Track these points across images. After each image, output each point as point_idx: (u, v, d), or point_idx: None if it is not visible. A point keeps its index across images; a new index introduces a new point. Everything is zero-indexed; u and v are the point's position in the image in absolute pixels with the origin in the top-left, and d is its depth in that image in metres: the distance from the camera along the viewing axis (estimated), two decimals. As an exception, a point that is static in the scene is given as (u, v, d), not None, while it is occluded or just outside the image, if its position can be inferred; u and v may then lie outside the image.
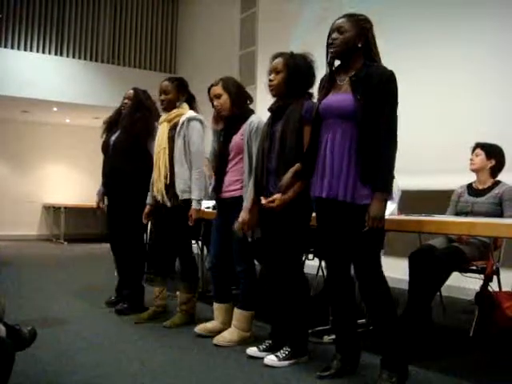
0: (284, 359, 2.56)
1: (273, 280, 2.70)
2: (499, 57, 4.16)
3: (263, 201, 2.51)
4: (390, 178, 2.17)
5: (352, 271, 2.37)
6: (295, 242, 2.57)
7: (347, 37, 2.22)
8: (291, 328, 2.63)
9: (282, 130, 2.55)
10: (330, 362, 2.42)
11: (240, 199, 2.84)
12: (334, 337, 2.65)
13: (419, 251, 3.27)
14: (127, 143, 3.63)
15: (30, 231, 9.84)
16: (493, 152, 3.39)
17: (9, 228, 9.39)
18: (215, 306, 3.09)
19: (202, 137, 3.23)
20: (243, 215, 2.73)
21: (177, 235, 3.30)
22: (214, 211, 3.27)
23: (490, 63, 4.21)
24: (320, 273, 3.93)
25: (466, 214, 3.36)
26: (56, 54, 8.43)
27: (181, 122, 3.24)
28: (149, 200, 3.44)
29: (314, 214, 2.60)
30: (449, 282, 3.28)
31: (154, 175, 3.36)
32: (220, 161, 2.99)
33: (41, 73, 8.12)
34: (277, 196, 2.45)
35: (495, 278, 3.20)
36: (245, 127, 2.89)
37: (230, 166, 2.94)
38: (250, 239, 2.77)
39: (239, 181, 2.89)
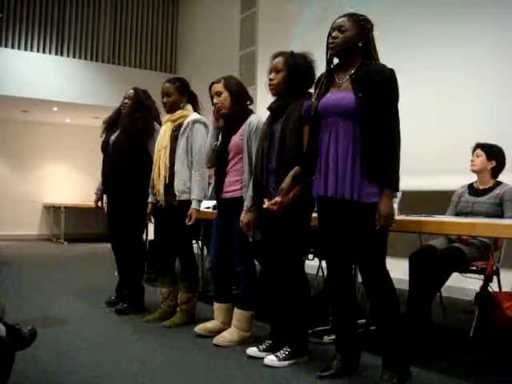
0: (284, 359, 2.55)
1: (273, 280, 2.70)
2: (499, 57, 4.16)
3: (266, 204, 2.49)
4: (397, 174, 2.16)
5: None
6: (296, 242, 2.57)
7: (348, 36, 2.22)
8: (291, 328, 2.63)
9: (282, 129, 2.55)
10: (330, 362, 2.42)
11: (240, 199, 2.84)
12: (334, 337, 2.65)
13: (419, 252, 3.26)
14: (127, 143, 3.63)
15: (30, 231, 9.85)
16: (493, 153, 3.38)
17: (9, 228, 9.39)
18: (215, 305, 3.09)
19: (205, 139, 3.23)
20: (244, 216, 2.73)
21: (177, 235, 3.30)
22: (214, 211, 3.27)
23: (490, 63, 4.21)
24: (320, 273, 3.94)
25: (466, 214, 3.36)
26: (56, 53, 8.43)
27: (186, 123, 3.25)
28: (150, 199, 3.44)
29: (314, 214, 2.61)
30: (449, 283, 3.28)
31: (154, 174, 3.36)
32: (220, 161, 2.98)
33: (41, 73, 8.12)
34: (278, 199, 2.44)
35: (495, 278, 3.20)
36: (244, 127, 2.89)
37: (229, 166, 2.94)
38: (250, 239, 2.77)
39: (239, 181, 2.89)
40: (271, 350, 2.66)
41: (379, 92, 2.14)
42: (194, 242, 3.64)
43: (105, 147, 3.84)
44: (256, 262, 3.01)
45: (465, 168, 3.48)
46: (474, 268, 3.23)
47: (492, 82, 4.17)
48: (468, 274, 3.32)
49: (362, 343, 2.48)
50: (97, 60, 8.77)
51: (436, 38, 4.57)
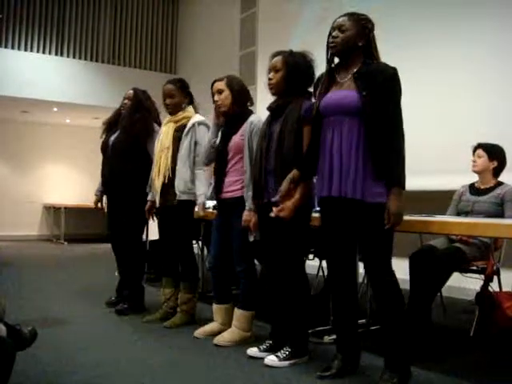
0: (284, 359, 2.55)
1: (273, 280, 2.70)
2: (499, 57, 4.16)
3: (273, 212, 2.42)
4: (404, 172, 2.16)
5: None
6: (296, 241, 2.56)
7: (348, 35, 2.22)
8: (292, 328, 2.63)
9: (280, 130, 2.54)
10: (331, 362, 2.41)
11: (241, 199, 2.84)
12: (334, 337, 2.64)
13: (420, 252, 3.26)
14: (126, 143, 3.63)
15: (30, 231, 9.84)
16: (495, 153, 3.38)
17: (9, 228, 9.39)
18: (214, 307, 3.08)
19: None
20: (248, 216, 2.73)
21: (177, 235, 3.30)
22: (214, 211, 3.27)
23: (490, 63, 4.21)
24: (320, 273, 3.94)
25: (467, 213, 3.36)
26: (56, 54, 8.42)
27: (190, 124, 3.25)
28: (150, 197, 3.44)
29: (314, 214, 2.60)
30: (449, 283, 3.28)
31: (153, 174, 3.36)
32: (220, 161, 2.98)
33: (41, 73, 8.12)
34: (285, 205, 2.39)
35: (496, 278, 3.20)
36: (245, 127, 2.89)
37: (229, 166, 2.93)
38: (251, 239, 2.77)
39: (239, 181, 2.89)
40: (272, 350, 2.65)
41: (382, 90, 2.14)
42: (194, 242, 3.64)
43: (104, 148, 3.84)
44: (256, 262, 3.01)
45: (465, 168, 3.48)
46: (475, 268, 3.23)
47: (492, 81, 4.17)
48: (468, 274, 3.32)
49: (362, 343, 2.48)
50: (97, 60, 8.76)
51: (436, 38, 4.57)
